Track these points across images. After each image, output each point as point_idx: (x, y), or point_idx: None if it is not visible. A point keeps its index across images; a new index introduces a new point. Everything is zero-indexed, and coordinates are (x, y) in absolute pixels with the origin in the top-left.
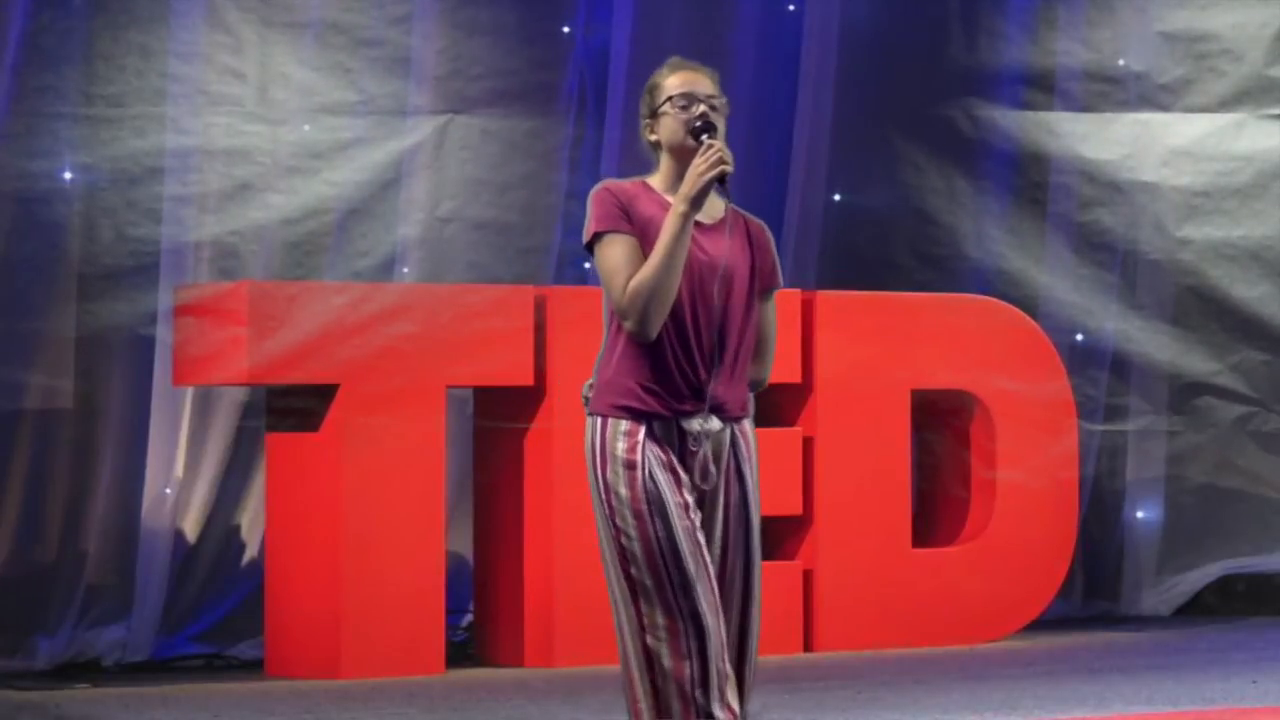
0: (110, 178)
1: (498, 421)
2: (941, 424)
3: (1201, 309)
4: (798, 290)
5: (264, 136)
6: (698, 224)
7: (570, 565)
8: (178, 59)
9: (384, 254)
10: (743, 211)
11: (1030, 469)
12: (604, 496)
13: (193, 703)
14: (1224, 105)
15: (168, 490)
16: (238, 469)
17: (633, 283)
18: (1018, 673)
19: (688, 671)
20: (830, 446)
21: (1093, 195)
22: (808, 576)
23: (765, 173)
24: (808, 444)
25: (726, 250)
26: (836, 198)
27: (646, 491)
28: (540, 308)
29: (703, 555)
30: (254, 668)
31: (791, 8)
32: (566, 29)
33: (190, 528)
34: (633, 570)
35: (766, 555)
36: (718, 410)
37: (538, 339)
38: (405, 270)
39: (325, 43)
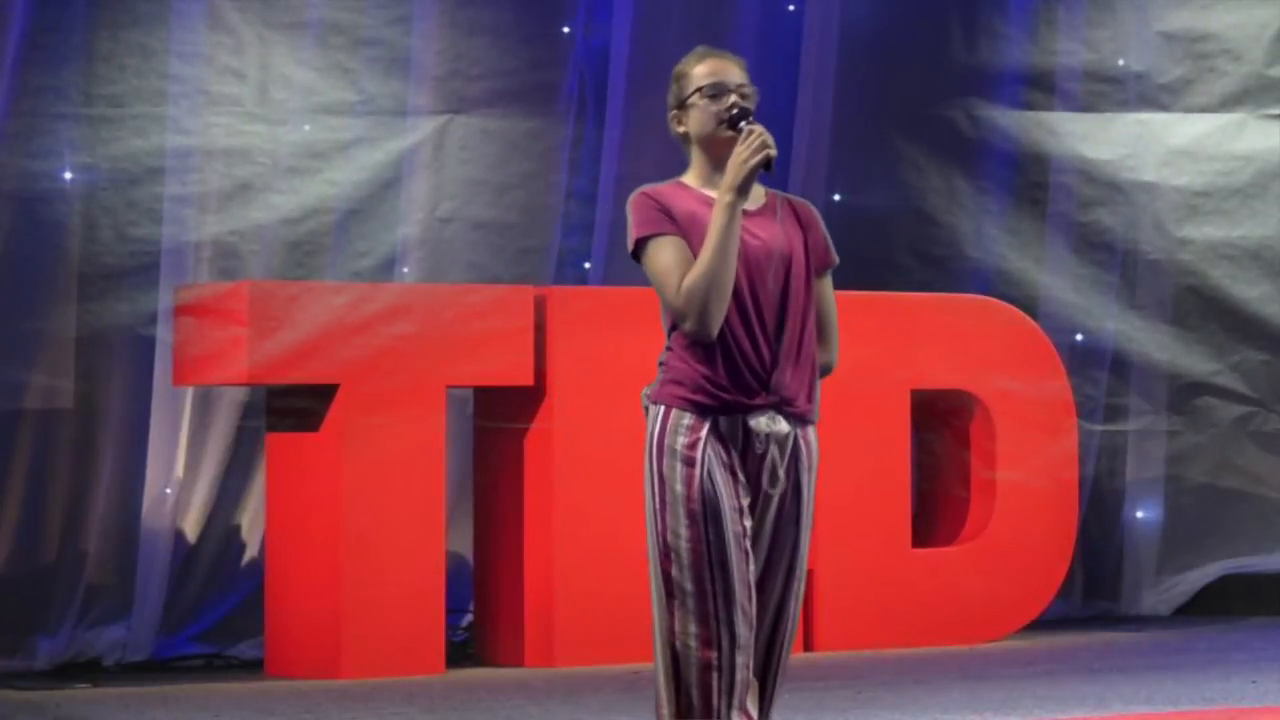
0: (110, 178)
1: (498, 421)
2: (941, 424)
3: (1201, 309)
4: None
5: (264, 136)
6: (743, 211)
7: (570, 565)
8: (178, 59)
9: (384, 254)
10: (785, 194)
11: (1030, 469)
12: (657, 490)
13: (193, 702)
14: (1224, 105)
15: (168, 490)
16: (238, 469)
17: (686, 281)
18: (1018, 673)
19: (714, 681)
20: (830, 446)
21: (1093, 195)
22: (808, 576)
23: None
24: None
25: (779, 233)
26: (836, 198)
27: (703, 492)
28: (540, 308)
29: (747, 563)
30: (254, 667)
31: (791, 8)
32: (566, 29)
33: (190, 528)
34: (674, 571)
35: None
36: (785, 404)
37: (538, 339)
38: (405, 270)
39: (325, 43)
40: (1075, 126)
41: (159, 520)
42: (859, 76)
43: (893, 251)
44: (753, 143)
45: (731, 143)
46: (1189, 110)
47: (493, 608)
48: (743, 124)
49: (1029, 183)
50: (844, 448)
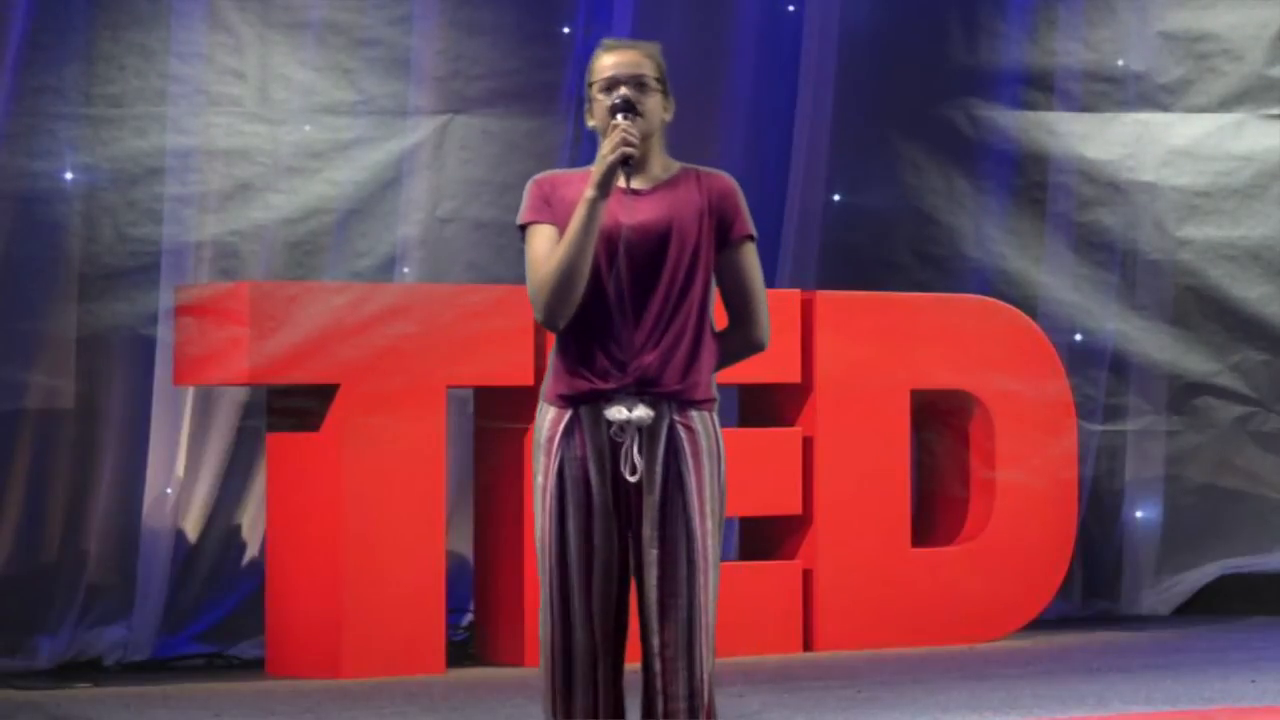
0: (110, 178)
1: (498, 421)
2: (941, 424)
3: (1201, 309)
4: (798, 290)
5: (264, 136)
6: (634, 190)
7: None
8: (178, 59)
9: (384, 254)
10: (701, 169)
11: (1030, 469)
12: (533, 490)
13: (194, 702)
14: (1224, 105)
15: (168, 490)
16: (238, 469)
17: (538, 272)
18: (1018, 672)
19: (551, 679)
20: (830, 446)
21: (1092, 195)
22: (807, 576)
23: (765, 173)
24: (807, 444)
25: (665, 212)
26: (836, 198)
27: (557, 481)
28: None
29: (592, 561)
30: (255, 667)
31: (791, 8)
32: (566, 29)
33: (191, 527)
34: (539, 563)
35: (766, 555)
36: (649, 384)
37: (538, 339)
38: (405, 270)
39: (325, 43)
40: (1075, 126)
41: (160, 520)
42: (859, 76)
43: (893, 251)
44: (614, 138)
45: None
46: (1189, 110)
47: (493, 608)
48: (618, 116)
49: (1029, 183)
50: (844, 448)
